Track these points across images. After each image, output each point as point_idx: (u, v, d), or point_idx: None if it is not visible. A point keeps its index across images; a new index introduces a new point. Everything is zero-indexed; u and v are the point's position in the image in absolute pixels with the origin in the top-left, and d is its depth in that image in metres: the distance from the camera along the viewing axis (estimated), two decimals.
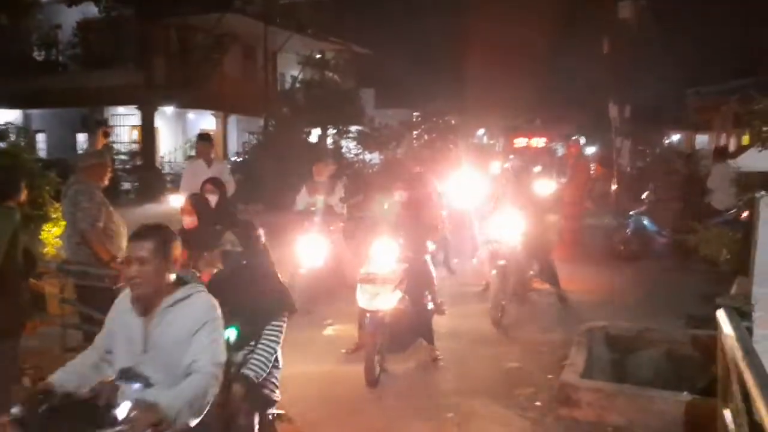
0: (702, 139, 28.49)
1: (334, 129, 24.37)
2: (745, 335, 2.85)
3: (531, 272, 7.98)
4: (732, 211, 9.48)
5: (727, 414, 3.04)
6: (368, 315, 5.15)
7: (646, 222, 10.15)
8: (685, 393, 4.33)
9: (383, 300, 5.17)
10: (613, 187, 13.49)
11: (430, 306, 6.07)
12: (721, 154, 10.99)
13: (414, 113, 32.98)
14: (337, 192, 7.90)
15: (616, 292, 8.36)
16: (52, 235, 7.05)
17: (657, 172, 14.70)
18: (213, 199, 4.94)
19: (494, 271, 6.92)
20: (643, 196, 10.83)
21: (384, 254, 5.47)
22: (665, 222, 10.11)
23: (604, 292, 8.44)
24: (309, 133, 21.75)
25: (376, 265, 5.38)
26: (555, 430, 4.42)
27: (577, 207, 11.64)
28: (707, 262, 9.04)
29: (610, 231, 10.95)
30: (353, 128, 25.21)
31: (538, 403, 4.86)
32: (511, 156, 8.28)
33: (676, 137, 38.08)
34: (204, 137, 8.39)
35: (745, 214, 9.28)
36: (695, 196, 9.79)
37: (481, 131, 42.21)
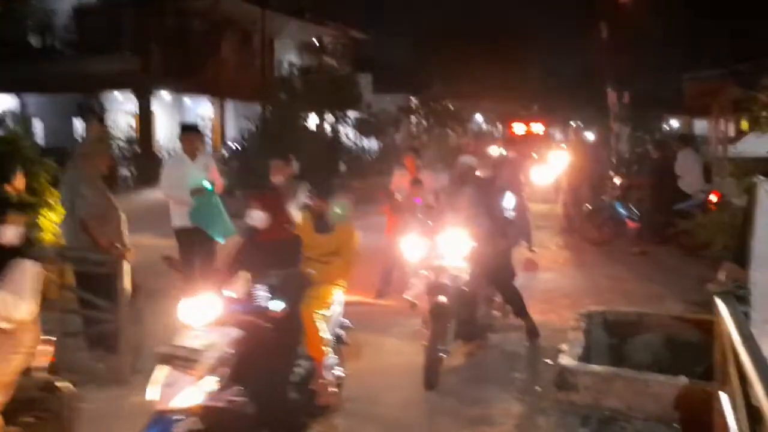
0: (701, 125, 28.44)
1: (331, 115, 24.29)
2: (742, 320, 2.87)
3: (494, 298, 6.21)
4: (700, 195, 9.61)
5: (724, 398, 3.06)
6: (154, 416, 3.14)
7: (618, 207, 10.25)
8: (682, 377, 4.35)
9: (181, 394, 3.14)
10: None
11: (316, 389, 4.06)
12: (686, 140, 11.22)
13: (412, 98, 32.91)
14: (299, 201, 5.55)
15: (610, 278, 8.41)
16: (50, 221, 7.03)
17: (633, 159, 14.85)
18: None
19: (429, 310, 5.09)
20: (618, 181, 10.95)
21: (197, 314, 3.40)
22: (638, 206, 10.20)
23: (592, 276, 8.48)
24: (307, 119, 21.70)
25: (183, 333, 3.37)
26: (553, 413, 4.46)
27: (577, 192, 11.73)
28: (682, 246, 9.14)
29: (585, 216, 11.02)
30: (351, 114, 25.12)
31: (536, 388, 4.89)
32: (463, 156, 6.37)
33: (674, 123, 38.05)
34: (188, 128, 7.15)
35: (712, 197, 9.44)
36: (666, 180, 9.85)
37: (478, 117, 42.17)
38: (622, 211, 10.24)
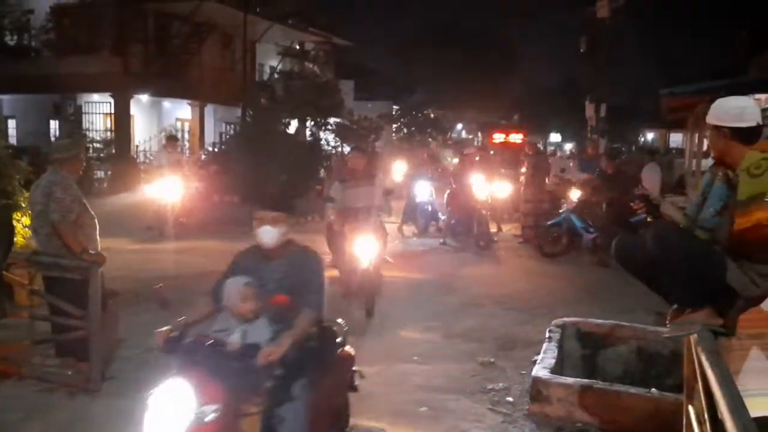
0: (676, 138, 28.93)
1: (312, 121, 24.27)
2: (709, 335, 2.91)
3: None
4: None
5: (692, 411, 3.10)
6: None
7: (574, 219, 10.36)
8: (653, 390, 4.40)
9: None
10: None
11: None
12: (652, 153, 11.38)
13: (394, 106, 33.00)
14: None
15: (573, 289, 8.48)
16: (21, 224, 6.92)
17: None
18: None
19: None
20: (574, 194, 11.03)
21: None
22: (593, 219, 10.30)
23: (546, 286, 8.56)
24: (287, 124, 21.65)
25: None
26: (526, 425, 4.47)
27: (539, 206, 11.85)
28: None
29: (541, 228, 11.11)
30: (332, 120, 25.13)
31: (509, 399, 4.91)
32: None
33: (650, 135, 38.63)
34: None
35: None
36: (619, 194, 9.93)
37: (459, 126, 42.42)
38: (577, 223, 10.36)
